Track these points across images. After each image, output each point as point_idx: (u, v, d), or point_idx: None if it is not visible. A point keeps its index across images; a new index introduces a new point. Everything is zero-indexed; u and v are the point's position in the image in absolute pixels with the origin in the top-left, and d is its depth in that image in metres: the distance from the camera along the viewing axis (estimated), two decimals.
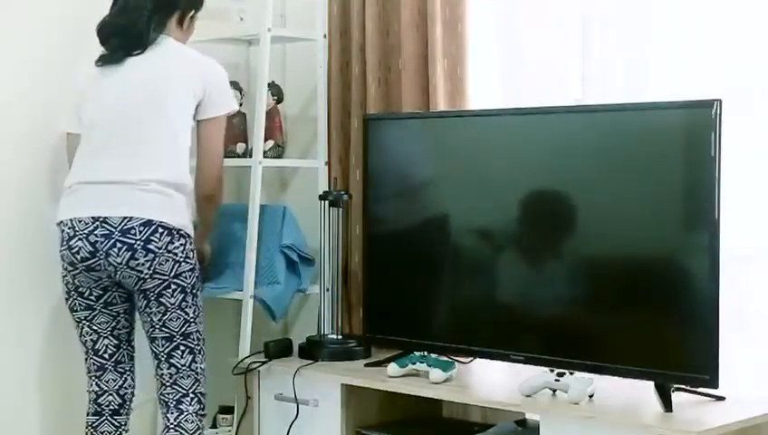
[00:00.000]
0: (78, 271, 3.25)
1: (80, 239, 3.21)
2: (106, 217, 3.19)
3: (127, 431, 3.44)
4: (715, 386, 2.88)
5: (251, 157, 3.78)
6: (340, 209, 3.71)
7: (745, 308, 3.17)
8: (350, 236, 3.82)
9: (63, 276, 3.31)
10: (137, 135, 3.27)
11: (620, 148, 3.08)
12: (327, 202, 3.70)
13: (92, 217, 3.20)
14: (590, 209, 3.16)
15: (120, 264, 3.19)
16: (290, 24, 4.07)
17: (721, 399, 2.98)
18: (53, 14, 3.61)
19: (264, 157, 3.78)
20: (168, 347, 3.28)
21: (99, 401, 3.39)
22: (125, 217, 3.19)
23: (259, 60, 3.78)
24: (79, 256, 3.21)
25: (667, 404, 2.90)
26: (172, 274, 3.23)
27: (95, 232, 3.19)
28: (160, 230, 3.20)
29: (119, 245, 3.18)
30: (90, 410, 3.41)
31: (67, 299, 3.33)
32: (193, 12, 3.45)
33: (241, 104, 3.94)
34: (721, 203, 2.84)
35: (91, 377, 3.40)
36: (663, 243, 3.02)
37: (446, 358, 3.36)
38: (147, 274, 3.20)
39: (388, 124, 3.63)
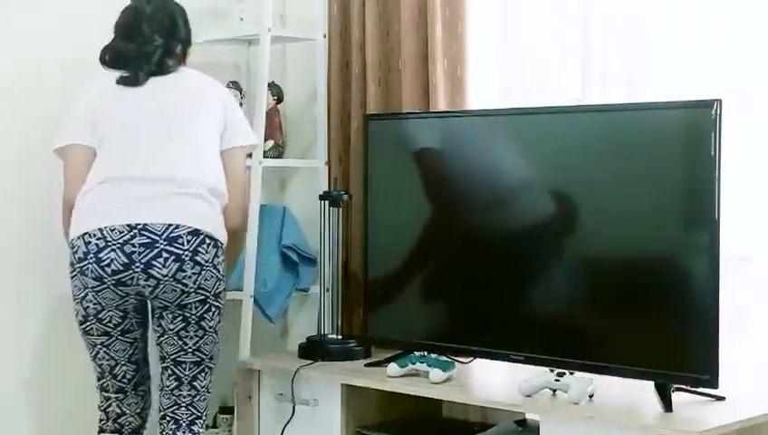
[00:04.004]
0: (104, 287, 2.99)
1: (112, 250, 2.94)
2: (146, 224, 2.96)
3: None
4: (715, 386, 2.88)
5: (251, 157, 3.78)
6: (340, 209, 3.71)
7: (745, 308, 3.17)
8: (350, 236, 3.82)
9: (81, 297, 3.05)
10: (178, 134, 3.10)
11: (620, 148, 3.08)
12: (327, 202, 3.70)
13: (128, 225, 2.96)
14: (589, 209, 3.16)
15: (166, 276, 2.96)
16: (290, 24, 4.07)
17: (721, 399, 2.98)
18: (55, 14, 3.61)
19: (264, 157, 3.78)
20: (194, 371, 3.11)
21: (119, 420, 3.23)
22: (170, 225, 2.96)
23: (259, 60, 3.78)
24: (110, 269, 2.96)
25: (667, 404, 2.90)
26: (213, 291, 3.06)
27: (132, 241, 2.95)
28: (207, 241, 3.01)
29: (165, 254, 2.95)
30: (108, 428, 3.24)
31: (82, 322, 3.10)
32: (189, 47, 3.32)
33: (241, 104, 3.95)
34: (721, 203, 2.84)
35: (108, 398, 3.22)
36: (663, 243, 3.02)
37: (446, 358, 3.36)
38: (192, 288, 3.00)
39: (388, 124, 3.63)
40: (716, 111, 2.84)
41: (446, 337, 3.43)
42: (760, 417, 2.90)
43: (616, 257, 3.12)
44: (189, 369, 3.11)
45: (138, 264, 2.96)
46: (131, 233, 2.95)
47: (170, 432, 3.16)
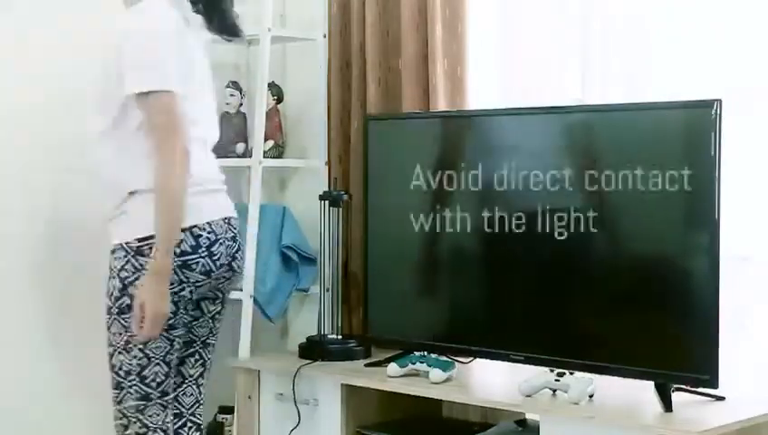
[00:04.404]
0: (207, 282, 2.87)
1: (221, 244, 2.86)
2: (231, 218, 2.93)
3: None
4: (715, 386, 2.88)
5: (251, 157, 3.78)
6: (340, 209, 3.71)
7: (745, 308, 3.17)
8: (350, 236, 3.82)
9: (174, 292, 2.82)
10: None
11: (620, 148, 3.08)
12: (327, 202, 3.70)
13: (224, 219, 2.90)
14: (589, 209, 3.16)
15: (240, 267, 2.97)
16: (290, 24, 4.07)
17: (721, 399, 2.98)
18: (56, 13, 3.62)
19: (264, 157, 3.78)
20: (213, 355, 3.06)
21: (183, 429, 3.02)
22: (236, 218, 2.96)
23: (259, 60, 3.78)
24: (218, 263, 2.86)
25: (667, 404, 2.90)
26: None
27: (227, 235, 2.89)
28: None
29: (242, 247, 2.97)
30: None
31: (171, 317, 2.84)
32: None
33: (241, 104, 3.96)
34: (721, 203, 2.84)
35: (166, 404, 2.92)
36: (663, 243, 3.02)
37: (446, 358, 3.36)
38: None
39: (388, 124, 3.63)
40: (716, 111, 2.84)
41: (446, 337, 3.43)
42: (760, 417, 2.90)
43: (616, 257, 3.12)
44: (212, 353, 3.06)
45: (228, 257, 2.91)
46: (225, 227, 2.90)
47: None
